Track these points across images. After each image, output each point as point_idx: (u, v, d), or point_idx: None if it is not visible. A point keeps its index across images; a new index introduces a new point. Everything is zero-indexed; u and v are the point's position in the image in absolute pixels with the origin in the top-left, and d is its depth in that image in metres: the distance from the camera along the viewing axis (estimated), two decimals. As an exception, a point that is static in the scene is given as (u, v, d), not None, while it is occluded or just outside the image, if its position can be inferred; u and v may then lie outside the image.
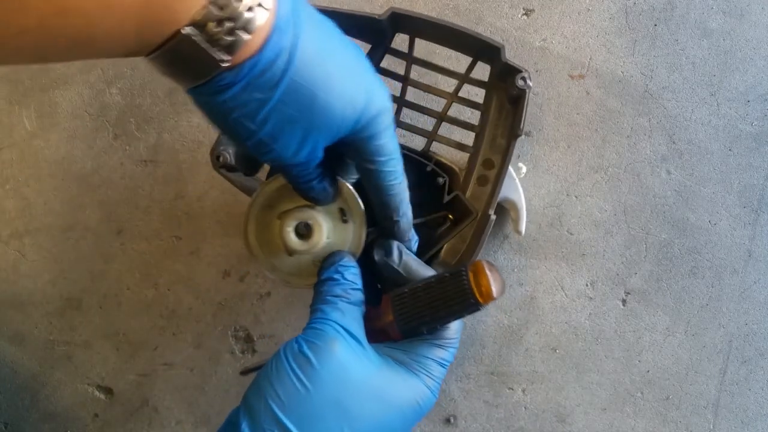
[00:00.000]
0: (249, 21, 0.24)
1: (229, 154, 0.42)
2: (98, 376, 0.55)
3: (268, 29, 0.26)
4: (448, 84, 0.51)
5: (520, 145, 0.53)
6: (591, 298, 0.53)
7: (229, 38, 0.24)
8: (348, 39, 0.31)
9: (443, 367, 0.34)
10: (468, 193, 0.45)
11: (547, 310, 0.53)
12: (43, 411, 0.55)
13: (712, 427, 0.52)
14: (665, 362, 0.52)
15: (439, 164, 0.47)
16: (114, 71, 0.57)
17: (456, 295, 0.32)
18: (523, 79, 0.40)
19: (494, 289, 0.32)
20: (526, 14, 0.54)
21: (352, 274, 0.35)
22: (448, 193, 0.44)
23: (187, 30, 0.24)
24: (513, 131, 0.42)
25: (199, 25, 0.24)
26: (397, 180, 0.34)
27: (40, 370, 0.55)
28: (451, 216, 0.45)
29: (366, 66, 0.31)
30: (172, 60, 0.25)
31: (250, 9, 0.24)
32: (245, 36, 0.25)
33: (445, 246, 0.45)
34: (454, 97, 0.46)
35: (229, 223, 0.54)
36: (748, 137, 0.53)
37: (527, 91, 0.40)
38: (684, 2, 0.53)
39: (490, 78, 0.45)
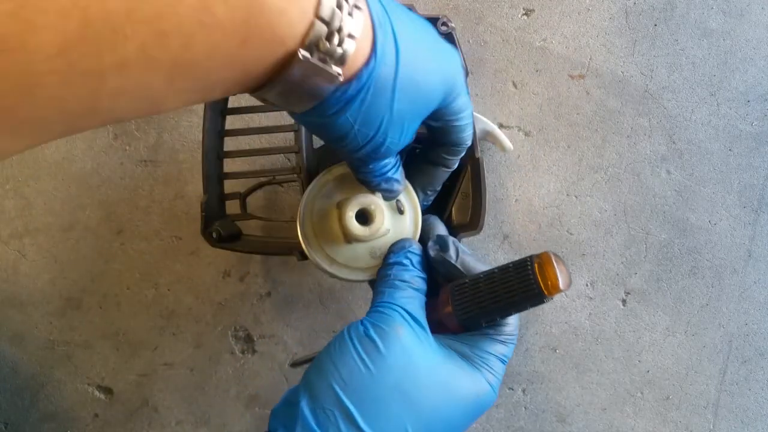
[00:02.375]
0: (353, 27, 0.24)
1: (220, 228, 0.44)
2: (98, 376, 0.55)
3: (369, 31, 0.25)
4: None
5: (521, 144, 0.53)
6: (591, 298, 0.53)
7: (340, 50, 0.24)
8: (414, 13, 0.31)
9: (503, 363, 0.33)
10: None
11: (547, 310, 0.53)
12: (43, 411, 0.55)
13: (712, 427, 0.52)
14: (665, 362, 0.52)
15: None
16: (114, 71, 0.56)
17: (520, 287, 0.31)
18: (444, 24, 0.42)
19: (561, 281, 0.30)
20: (526, 14, 0.54)
21: (419, 263, 0.35)
22: None
23: (303, 54, 0.23)
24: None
25: (311, 44, 0.23)
26: (470, 128, 0.35)
27: (40, 370, 0.55)
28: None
29: (437, 35, 0.31)
30: (290, 88, 0.25)
31: (349, 14, 0.24)
32: (352, 44, 0.24)
33: (453, 209, 0.46)
34: None
35: (229, 223, 0.54)
36: (748, 137, 0.53)
37: (453, 33, 0.42)
38: (684, 2, 0.53)
39: None
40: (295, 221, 0.39)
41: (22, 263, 0.55)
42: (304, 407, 0.29)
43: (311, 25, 0.23)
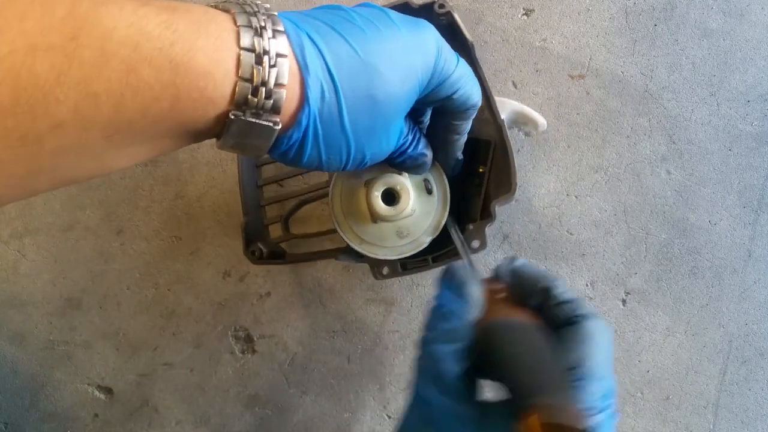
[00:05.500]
0: (278, 75, 0.24)
1: (262, 246, 0.45)
2: (98, 376, 0.55)
3: (297, 73, 0.25)
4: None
5: (521, 144, 0.53)
6: (591, 298, 0.53)
7: (270, 101, 0.24)
8: (361, 8, 0.29)
9: None
10: (475, 133, 0.45)
11: (547, 310, 0.53)
12: (43, 411, 0.55)
13: (712, 427, 0.52)
14: (665, 362, 0.52)
15: None
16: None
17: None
18: (441, 5, 0.41)
19: None
20: (526, 14, 0.54)
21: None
22: None
23: (235, 113, 0.24)
24: (464, 46, 0.43)
25: (240, 102, 0.24)
26: (477, 95, 0.34)
27: (40, 370, 0.55)
28: (482, 169, 0.45)
29: (395, 22, 0.29)
30: (236, 142, 0.25)
31: (272, 66, 0.24)
32: (282, 91, 0.25)
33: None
34: None
35: (229, 223, 0.54)
36: (748, 137, 0.53)
37: (452, 11, 0.41)
38: (684, 2, 0.53)
39: None
40: (335, 232, 0.40)
41: (22, 263, 0.55)
42: None
43: (235, 85, 0.24)
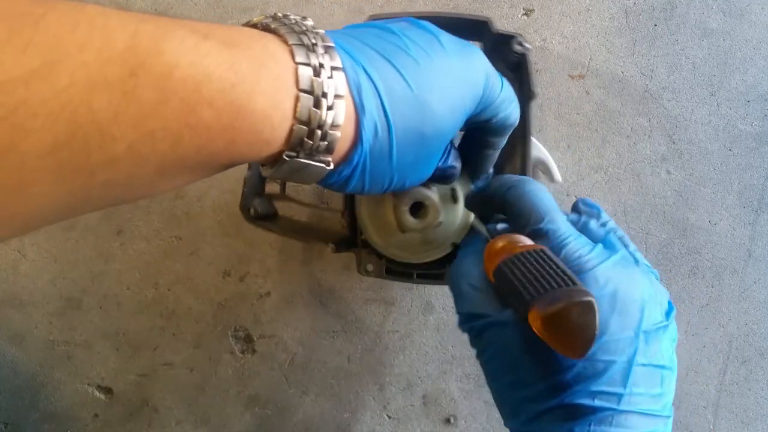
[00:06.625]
0: (335, 117, 0.24)
1: (257, 206, 0.43)
2: (98, 376, 0.55)
3: (353, 113, 0.25)
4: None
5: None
6: (591, 298, 0.53)
7: (324, 142, 0.24)
8: (412, 32, 0.29)
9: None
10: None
11: (547, 310, 0.53)
12: (43, 411, 0.55)
13: (712, 427, 0.52)
14: (665, 362, 0.52)
15: None
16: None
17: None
18: (520, 43, 0.39)
19: (565, 347, 0.25)
20: (526, 14, 0.53)
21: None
22: None
23: (289, 154, 0.24)
24: (526, 95, 0.41)
25: (295, 144, 0.24)
26: (516, 115, 0.33)
27: (40, 370, 0.55)
28: None
29: (446, 50, 0.29)
30: (286, 176, 0.26)
31: (329, 108, 0.24)
32: (337, 133, 0.24)
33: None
34: None
35: (229, 223, 0.54)
36: (748, 137, 0.53)
37: (527, 54, 0.40)
38: (684, 2, 0.53)
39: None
40: (335, 211, 0.40)
41: (22, 263, 0.55)
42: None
43: (291, 128, 0.24)
